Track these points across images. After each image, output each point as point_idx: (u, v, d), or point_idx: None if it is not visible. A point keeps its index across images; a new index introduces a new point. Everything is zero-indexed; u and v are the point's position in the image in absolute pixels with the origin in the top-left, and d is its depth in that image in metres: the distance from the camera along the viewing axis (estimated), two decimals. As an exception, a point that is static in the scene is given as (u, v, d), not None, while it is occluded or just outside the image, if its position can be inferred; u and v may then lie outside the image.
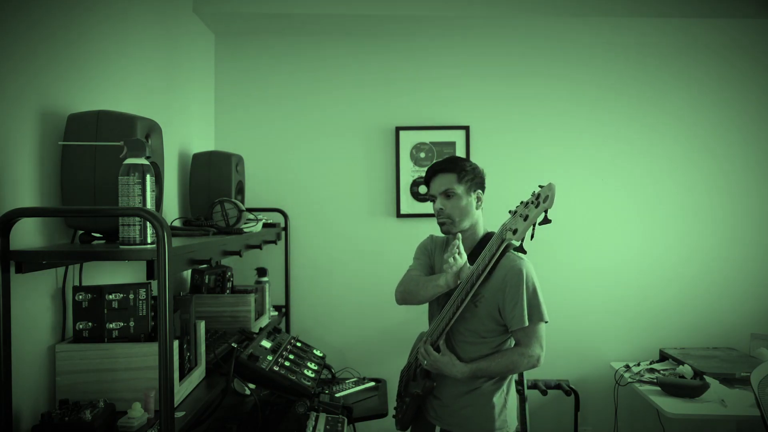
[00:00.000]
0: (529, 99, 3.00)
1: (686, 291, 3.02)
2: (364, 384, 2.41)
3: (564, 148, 3.01)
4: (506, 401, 1.88)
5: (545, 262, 2.77)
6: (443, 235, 2.00)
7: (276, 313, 2.76)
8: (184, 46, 2.47)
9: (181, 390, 1.45)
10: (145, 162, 1.25)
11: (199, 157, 2.38)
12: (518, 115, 3.00)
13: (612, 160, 3.02)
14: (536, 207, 1.47)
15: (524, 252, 1.59)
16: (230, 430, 1.91)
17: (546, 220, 1.46)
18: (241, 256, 1.94)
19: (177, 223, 2.17)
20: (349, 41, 2.97)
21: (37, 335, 1.34)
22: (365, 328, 2.97)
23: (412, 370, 2.00)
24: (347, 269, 2.97)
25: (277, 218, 2.87)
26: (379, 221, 2.98)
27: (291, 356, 2.04)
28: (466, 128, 2.97)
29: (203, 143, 2.74)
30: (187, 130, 2.52)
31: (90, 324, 1.39)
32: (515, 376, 2.15)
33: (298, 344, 2.24)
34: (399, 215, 2.96)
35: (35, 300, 1.34)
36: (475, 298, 1.76)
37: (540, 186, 1.49)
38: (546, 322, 1.81)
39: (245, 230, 2.11)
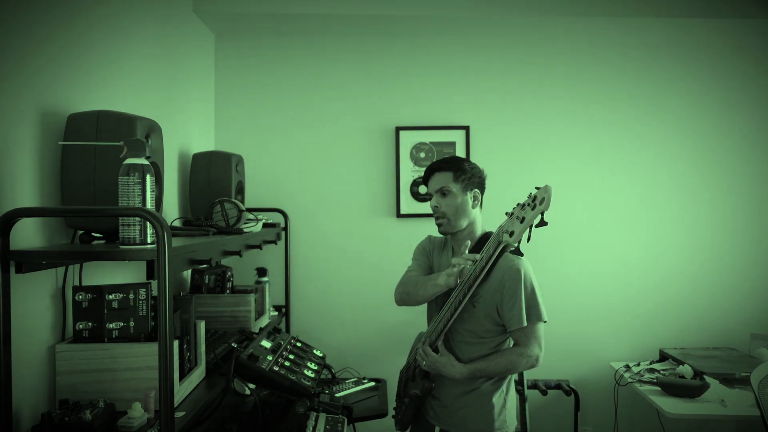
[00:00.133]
0: (530, 99, 3.00)
1: (686, 291, 3.02)
2: (364, 384, 2.41)
3: (564, 148, 3.00)
4: (505, 401, 1.88)
5: (545, 262, 2.78)
6: (441, 235, 2.00)
7: (276, 313, 2.76)
8: (184, 46, 2.47)
9: (181, 390, 1.45)
10: (145, 162, 1.25)
11: (199, 157, 2.38)
12: (518, 115, 3.00)
13: (612, 160, 3.02)
14: (532, 209, 1.45)
15: (521, 254, 1.58)
16: (230, 430, 1.91)
17: (542, 223, 1.44)
18: (241, 256, 1.94)
19: (177, 223, 2.17)
20: (349, 41, 2.97)
21: (37, 335, 1.34)
22: (365, 328, 2.97)
23: (411, 371, 2.00)
24: (347, 269, 2.97)
25: (277, 218, 2.87)
26: (379, 221, 2.98)
27: (291, 356, 2.04)
28: (466, 128, 2.97)
29: (203, 143, 2.74)
30: (187, 130, 2.52)
31: (90, 324, 1.39)
32: (515, 376, 2.15)
33: (298, 344, 2.24)
34: (399, 215, 2.96)
35: (35, 300, 1.34)
36: (474, 299, 1.76)
37: (536, 188, 1.47)
38: (545, 322, 1.81)
39: (245, 230, 2.11)
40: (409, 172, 2.97)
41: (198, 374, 1.61)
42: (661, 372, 2.61)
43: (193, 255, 1.48)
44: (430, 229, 2.06)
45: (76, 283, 1.47)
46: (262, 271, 2.67)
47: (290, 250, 2.91)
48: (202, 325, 1.65)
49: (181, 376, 1.46)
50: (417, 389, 1.89)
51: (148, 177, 1.24)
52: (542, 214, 1.44)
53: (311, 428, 1.82)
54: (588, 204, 3.00)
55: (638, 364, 2.74)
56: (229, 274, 2.31)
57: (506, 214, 1.57)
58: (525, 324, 1.76)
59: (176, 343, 1.40)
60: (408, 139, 2.97)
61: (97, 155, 1.39)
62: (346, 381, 2.45)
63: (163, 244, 1.07)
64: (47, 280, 1.38)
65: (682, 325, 3.01)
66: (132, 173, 1.22)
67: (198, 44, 2.70)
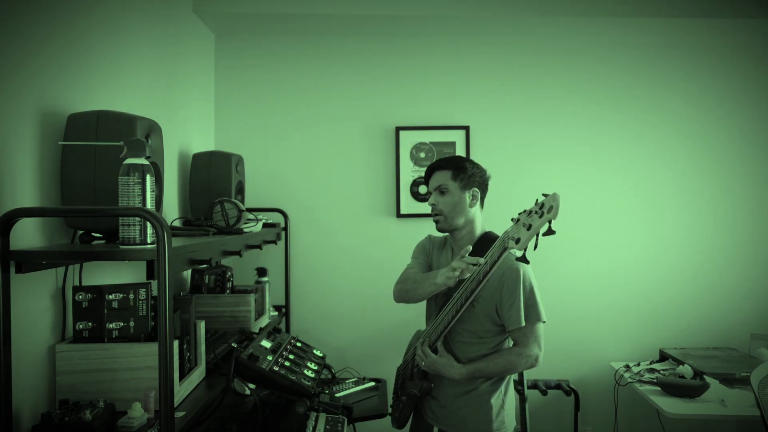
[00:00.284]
0: (530, 99, 3.00)
1: (686, 291, 3.02)
2: (364, 384, 2.41)
3: (564, 147, 3.00)
4: (504, 402, 1.88)
5: (545, 262, 2.78)
6: (441, 235, 2.00)
7: (276, 313, 2.76)
8: (184, 46, 2.47)
9: (181, 390, 1.45)
10: (145, 162, 1.25)
11: (199, 157, 2.38)
12: (518, 115, 3.00)
13: (612, 160, 3.02)
14: (540, 217, 1.43)
15: (527, 262, 1.54)
16: (230, 430, 1.91)
17: (550, 231, 1.42)
18: (241, 256, 1.94)
19: (177, 223, 2.17)
20: (349, 41, 2.97)
21: (37, 335, 1.34)
22: (365, 328, 2.97)
23: (408, 370, 2.00)
24: (347, 269, 2.97)
25: (277, 218, 2.87)
26: (379, 221, 2.98)
27: (291, 356, 2.04)
28: (466, 128, 2.97)
29: (203, 143, 2.74)
30: (187, 130, 2.52)
31: (90, 324, 1.39)
32: (514, 377, 2.15)
33: (298, 344, 2.23)
34: (399, 215, 2.96)
35: (35, 300, 1.34)
36: (473, 299, 1.76)
37: (544, 195, 1.45)
38: (544, 322, 1.81)
39: (245, 230, 2.11)
40: (409, 172, 2.97)
41: (198, 374, 1.61)
42: (661, 372, 2.61)
43: (193, 255, 1.48)
44: (430, 229, 2.06)
45: (76, 283, 1.47)
46: (262, 271, 2.67)
47: (290, 250, 2.91)
48: (202, 325, 1.65)
49: (181, 376, 1.46)
50: (415, 389, 1.89)
51: (148, 177, 1.24)
52: (550, 222, 1.42)
53: (311, 428, 1.82)
54: (588, 203, 3.00)
55: (638, 364, 2.74)
56: (229, 274, 2.31)
57: (512, 219, 1.55)
58: (523, 324, 1.76)
59: (176, 343, 1.40)
60: (408, 139, 2.97)
61: (97, 155, 1.39)
62: (346, 381, 2.45)
63: (163, 244, 1.07)
64: (47, 280, 1.38)
65: (682, 325, 3.01)
66: (132, 173, 1.22)
67: (198, 44, 2.70)
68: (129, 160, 1.23)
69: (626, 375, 2.62)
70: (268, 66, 2.96)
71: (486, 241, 1.85)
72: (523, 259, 1.52)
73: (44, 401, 1.35)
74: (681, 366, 2.54)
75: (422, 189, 2.93)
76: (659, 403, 2.29)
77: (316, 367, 2.08)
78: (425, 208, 2.89)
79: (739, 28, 2.86)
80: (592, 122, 3.01)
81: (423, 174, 1.99)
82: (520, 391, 2.52)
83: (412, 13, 2.67)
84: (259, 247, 2.35)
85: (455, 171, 1.87)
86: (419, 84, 2.98)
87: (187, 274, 2.36)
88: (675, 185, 3.03)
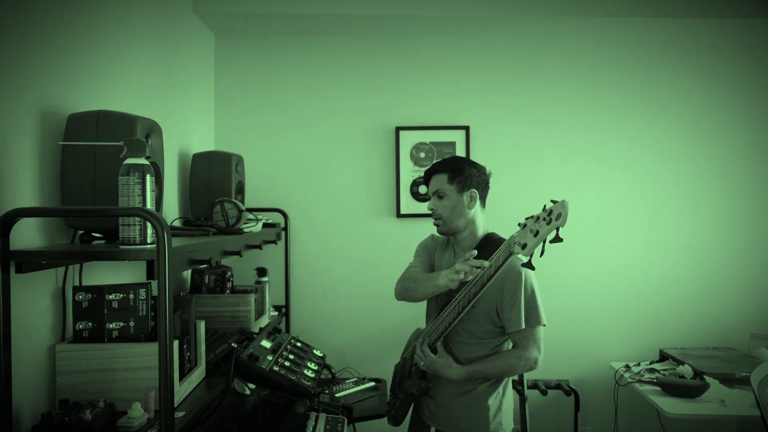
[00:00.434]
0: (530, 99, 3.00)
1: (686, 291, 3.02)
2: (364, 384, 2.41)
3: (564, 147, 3.01)
4: (501, 404, 1.88)
5: (545, 262, 2.77)
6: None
7: (276, 313, 2.76)
8: (184, 46, 2.47)
9: (181, 390, 1.45)
10: (145, 162, 1.25)
11: (199, 157, 2.38)
12: (519, 115, 3.00)
13: (612, 160, 3.02)
14: (548, 224, 1.41)
15: (533, 268, 1.52)
16: (230, 430, 1.91)
17: (557, 239, 1.39)
18: (241, 256, 1.94)
19: (177, 223, 2.17)
20: (349, 41, 2.97)
21: (37, 335, 1.34)
22: (365, 328, 2.97)
23: (407, 368, 2.00)
24: (347, 269, 2.97)
25: (277, 218, 2.87)
26: (379, 221, 2.98)
27: (291, 356, 2.04)
28: (466, 128, 2.97)
29: (203, 143, 2.74)
30: (187, 130, 2.52)
31: (90, 324, 1.39)
32: (514, 377, 2.15)
33: (298, 344, 2.23)
34: (399, 215, 2.96)
35: (35, 300, 1.34)
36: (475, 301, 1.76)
37: (552, 201, 1.42)
38: (544, 326, 1.80)
39: (245, 230, 2.11)
40: (409, 172, 2.97)
41: (198, 374, 1.61)
42: (661, 372, 2.61)
43: (193, 255, 1.48)
44: (430, 229, 2.06)
45: (76, 283, 1.47)
46: (262, 271, 2.67)
47: (290, 250, 2.91)
48: (202, 325, 1.65)
49: (181, 376, 1.46)
50: (414, 388, 1.89)
51: (148, 177, 1.24)
52: (557, 230, 1.40)
53: (311, 428, 1.82)
54: (588, 203, 3.00)
55: (638, 364, 2.74)
56: (229, 274, 2.31)
57: (519, 224, 1.53)
58: (523, 326, 1.76)
59: (176, 343, 1.40)
60: (408, 139, 2.97)
61: (97, 155, 1.39)
62: (346, 381, 2.45)
63: (163, 244, 1.07)
64: (47, 280, 1.38)
65: (682, 325, 3.01)
66: (132, 173, 1.22)
67: (198, 44, 2.70)
68: (129, 160, 1.23)
69: (626, 375, 2.62)
70: (268, 66, 2.96)
71: (488, 242, 1.85)
72: (529, 266, 1.50)
73: (44, 401, 1.35)
74: (681, 366, 2.54)
75: (422, 189, 2.93)
76: (659, 403, 2.29)
77: (316, 367, 2.08)
78: (425, 208, 2.88)
79: (739, 28, 2.86)
80: (592, 122, 3.01)
81: (423, 174, 1.99)
82: (520, 391, 2.53)
83: (412, 13, 2.67)
84: (259, 247, 2.35)
85: (451, 174, 1.87)
86: (419, 84, 2.98)
87: (187, 274, 2.36)
88: (675, 185, 3.03)
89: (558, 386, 2.72)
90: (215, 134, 2.93)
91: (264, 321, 2.43)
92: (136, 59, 1.94)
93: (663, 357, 2.85)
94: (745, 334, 2.93)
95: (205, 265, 1.64)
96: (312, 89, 2.97)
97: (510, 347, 1.87)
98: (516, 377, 2.49)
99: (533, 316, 1.78)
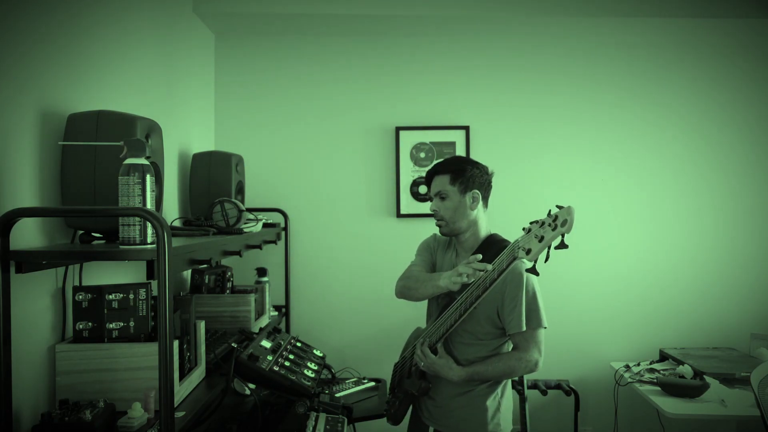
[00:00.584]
0: (530, 98, 3.00)
1: (686, 291, 3.02)
2: (364, 384, 2.41)
3: (565, 148, 3.00)
4: (500, 405, 1.87)
5: (545, 262, 2.78)
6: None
7: (276, 313, 2.76)
8: (184, 46, 2.47)
9: (181, 390, 1.45)
10: (145, 162, 1.24)
11: (199, 157, 2.38)
12: (519, 115, 3.00)
13: (613, 160, 3.02)
14: (553, 230, 1.40)
15: (537, 274, 1.50)
16: (230, 430, 1.91)
17: (562, 245, 1.38)
18: (241, 256, 1.94)
19: (177, 223, 2.17)
20: (349, 41, 2.97)
21: (37, 335, 1.34)
22: (365, 328, 2.97)
23: (406, 368, 2.00)
24: (347, 269, 2.97)
25: (277, 218, 2.87)
26: (379, 221, 2.98)
27: (291, 356, 2.04)
28: (466, 128, 2.97)
29: (203, 143, 2.74)
30: (187, 130, 2.52)
31: (90, 324, 1.39)
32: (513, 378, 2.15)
33: (298, 344, 2.23)
34: (399, 215, 2.96)
35: (35, 300, 1.34)
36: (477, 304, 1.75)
37: (558, 206, 1.41)
38: (545, 328, 1.80)
39: (245, 230, 2.11)
40: (409, 172, 2.97)
41: (198, 374, 1.61)
42: (661, 372, 2.61)
43: (193, 255, 1.48)
44: (430, 228, 2.06)
45: (76, 283, 1.47)
46: (262, 271, 2.67)
47: (290, 250, 2.91)
48: (202, 325, 1.65)
49: (181, 376, 1.46)
50: (413, 388, 1.89)
51: (148, 177, 1.23)
52: (563, 236, 1.38)
53: (311, 428, 1.82)
54: (588, 203, 3.00)
55: (638, 364, 2.74)
56: (229, 274, 2.31)
57: (523, 229, 1.51)
58: (524, 328, 1.76)
59: (176, 343, 1.40)
60: (408, 139, 2.97)
61: (97, 155, 1.39)
62: (346, 381, 2.45)
63: (163, 244, 1.07)
64: (47, 280, 1.38)
65: (682, 325, 3.01)
66: (132, 173, 1.22)
67: (198, 44, 2.70)
68: (129, 160, 1.23)
69: (626, 375, 2.62)
70: (268, 66, 2.96)
71: (491, 243, 1.85)
72: (533, 271, 1.48)
73: (44, 401, 1.35)
74: (681, 366, 2.54)
75: (422, 189, 2.93)
76: (659, 403, 2.29)
77: (316, 367, 2.08)
78: (425, 208, 2.90)
79: (739, 28, 2.86)
80: (592, 122, 3.01)
81: (423, 174, 1.98)
82: (520, 391, 2.53)
83: (411, 13, 2.67)
84: (259, 247, 2.35)
85: (453, 175, 1.86)
86: (419, 84, 2.98)
87: (187, 274, 2.36)
88: (675, 185, 3.03)
89: (558, 386, 2.72)
90: (215, 134, 2.93)
91: (264, 321, 2.43)
92: (136, 59, 1.94)
93: (663, 357, 2.85)
94: (745, 334, 2.93)
95: (205, 265, 1.64)
96: (312, 89, 2.97)
97: (510, 348, 1.87)
98: (516, 378, 2.49)
99: (534, 319, 1.77)
